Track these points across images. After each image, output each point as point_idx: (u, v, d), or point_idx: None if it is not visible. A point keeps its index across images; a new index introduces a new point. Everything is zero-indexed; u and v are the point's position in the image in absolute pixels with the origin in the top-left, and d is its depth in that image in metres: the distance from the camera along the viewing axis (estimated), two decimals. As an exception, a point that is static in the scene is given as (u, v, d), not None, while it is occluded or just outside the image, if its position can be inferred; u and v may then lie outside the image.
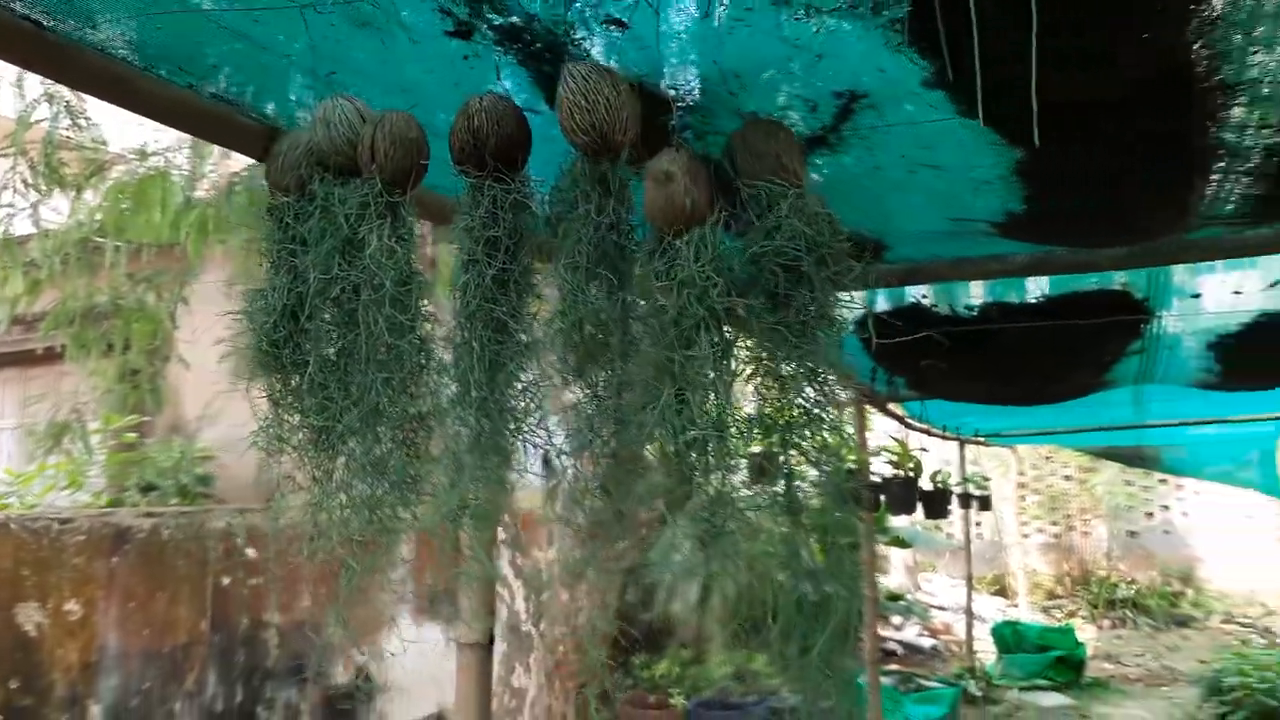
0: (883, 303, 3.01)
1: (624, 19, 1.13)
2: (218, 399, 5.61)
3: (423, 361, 0.84)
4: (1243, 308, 2.94)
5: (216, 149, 4.22)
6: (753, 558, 0.94)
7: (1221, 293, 2.84)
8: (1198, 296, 2.84)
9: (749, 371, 0.72)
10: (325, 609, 4.91)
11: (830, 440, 0.71)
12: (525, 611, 4.00)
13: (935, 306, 3.00)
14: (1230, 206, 1.62)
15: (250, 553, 5.17)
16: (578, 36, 1.15)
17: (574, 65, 0.77)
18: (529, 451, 1.05)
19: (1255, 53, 1.07)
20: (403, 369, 0.82)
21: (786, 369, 0.68)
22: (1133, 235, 1.86)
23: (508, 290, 0.80)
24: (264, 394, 0.98)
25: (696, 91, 1.30)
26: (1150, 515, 13.45)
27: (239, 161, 4.37)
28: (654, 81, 1.23)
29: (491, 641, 1.70)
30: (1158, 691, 8.81)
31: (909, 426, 6.51)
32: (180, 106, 1.25)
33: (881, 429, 6.63)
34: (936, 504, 5.42)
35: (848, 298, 2.76)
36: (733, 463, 0.85)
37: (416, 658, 4.95)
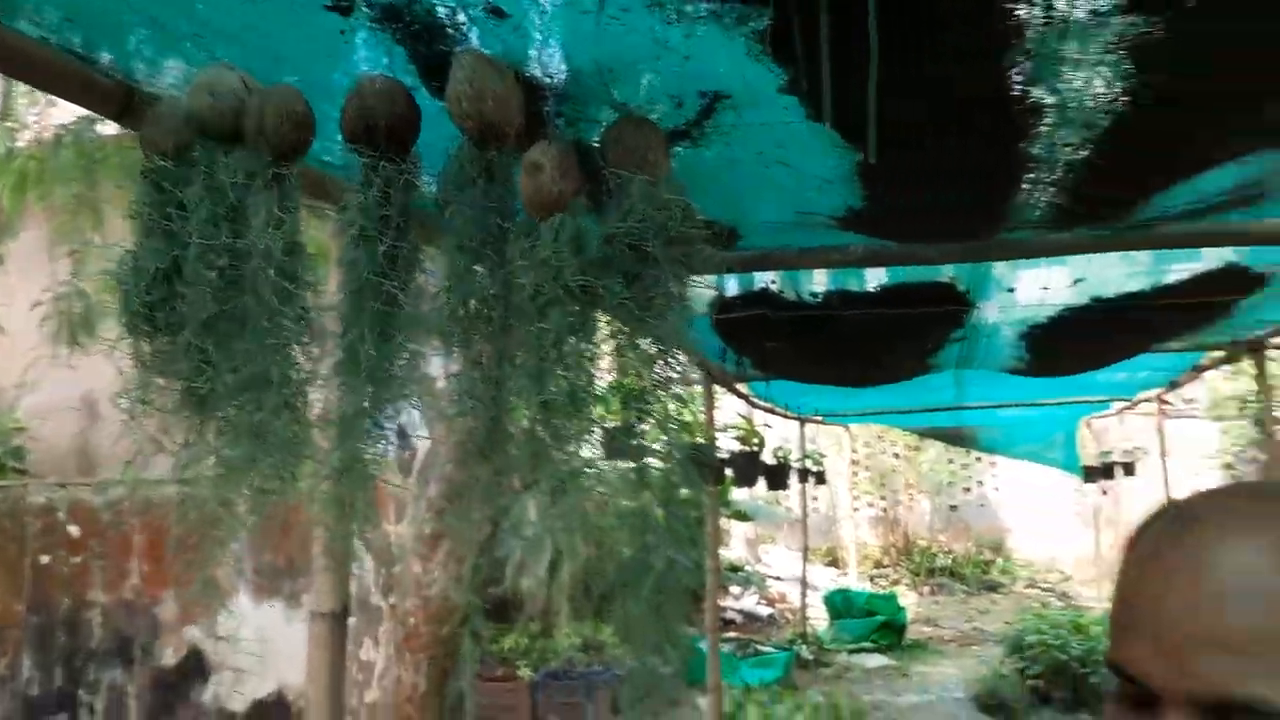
0: (734, 287, 3.16)
1: (504, 9, 1.18)
2: (36, 366, 5.22)
3: (306, 329, 0.87)
4: (1050, 302, 3.27)
5: (43, 98, 3.91)
6: (602, 529, 1.00)
7: (1034, 288, 3.14)
8: (1012, 290, 3.14)
9: (605, 346, 0.79)
10: (161, 584, 4.69)
11: (677, 414, 0.79)
12: (375, 585, 3.98)
13: (782, 292, 3.18)
14: (1038, 212, 1.83)
15: (73, 530, 4.87)
16: (458, 20, 1.19)
17: (464, 55, 0.82)
18: (386, 424, 1.09)
19: (1059, 80, 1.23)
20: (287, 336, 0.84)
21: (637, 344, 0.75)
22: (957, 234, 2.06)
23: (396, 266, 0.84)
24: (131, 357, 0.97)
25: (570, 81, 1.36)
26: (968, 490, 14.58)
27: (66, 111, 4.07)
28: (530, 70, 1.28)
29: (346, 611, 1.69)
30: (969, 651, 9.62)
31: (754, 405, 6.81)
32: (32, 61, 1.20)
33: (730, 407, 6.91)
34: (777, 477, 5.73)
35: (699, 281, 2.89)
36: (586, 434, 0.91)
37: (257, 636, 4.81)
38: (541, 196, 0.77)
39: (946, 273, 3.00)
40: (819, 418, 8.38)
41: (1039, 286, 3.05)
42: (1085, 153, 1.45)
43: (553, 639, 7.62)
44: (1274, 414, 5.13)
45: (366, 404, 0.84)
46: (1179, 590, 0.59)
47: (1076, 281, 2.99)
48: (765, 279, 3.14)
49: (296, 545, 4.39)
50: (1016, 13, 1.03)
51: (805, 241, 2.39)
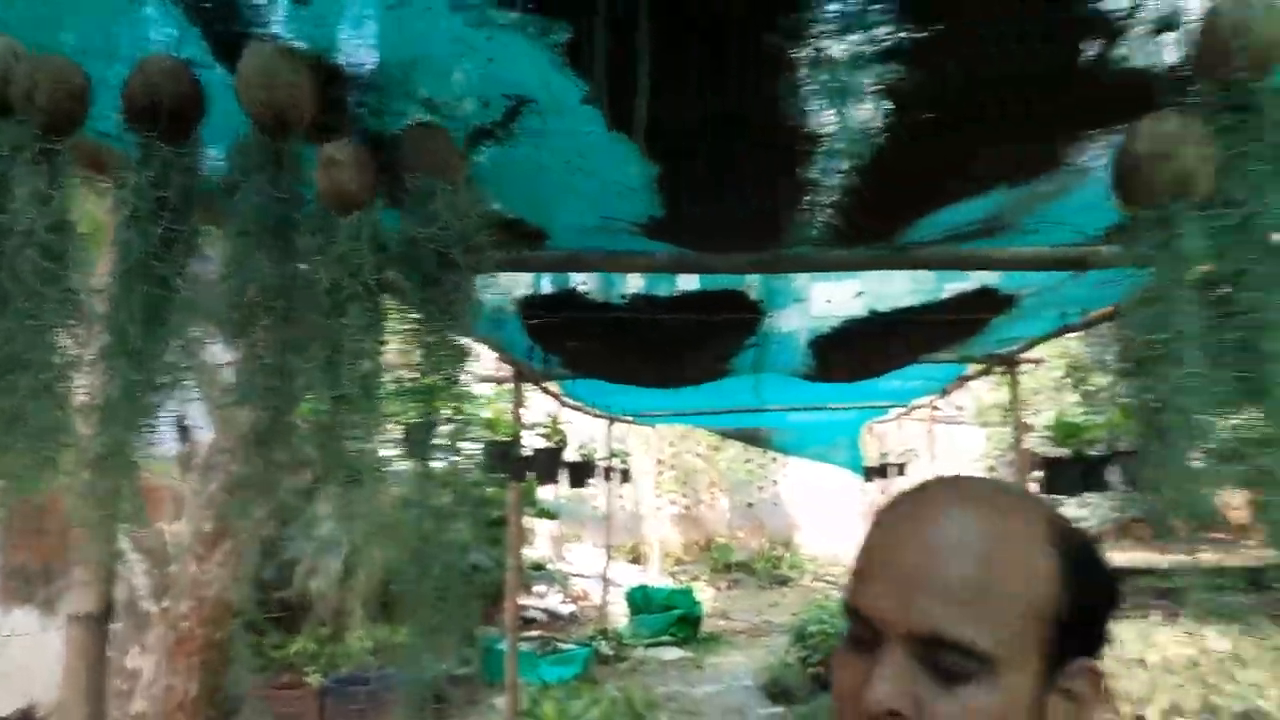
0: (546, 286, 3.21)
1: (306, -6, 1.17)
2: None
3: (73, 311, 0.83)
4: (834, 313, 3.53)
5: None
6: (397, 527, 1.01)
7: (820, 299, 3.39)
8: (802, 301, 3.37)
9: (403, 342, 0.81)
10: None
11: (473, 412, 0.82)
12: (145, 587, 3.71)
13: (591, 294, 3.26)
14: (816, 231, 2.00)
15: None
16: (255, 2, 1.17)
17: (257, 45, 0.81)
18: (163, 418, 1.05)
19: (828, 113, 1.36)
20: (49, 317, 0.80)
21: (434, 341, 0.78)
22: (748, 246, 2.20)
23: (173, 249, 0.82)
24: None
25: (376, 73, 1.36)
26: (763, 489, 15.35)
27: None
28: (333, 58, 1.27)
29: (108, 613, 1.60)
30: (759, 642, 10.13)
31: (564, 404, 6.89)
32: None
33: (540, 405, 6.94)
34: (579, 473, 5.82)
35: (508, 280, 2.90)
36: (380, 429, 0.92)
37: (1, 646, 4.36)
38: (339, 192, 0.78)
39: (743, 282, 3.18)
40: (628, 418, 8.57)
41: (825, 298, 3.29)
42: (853, 180, 1.61)
43: (344, 643, 7.36)
44: (1025, 422, 5.77)
45: (134, 391, 0.81)
46: (910, 545, 0.72)
47: (858, 294, 3.25)
48: (577, 279, 3.21)
49: (54, 546, 4.02)
50: (789, 52, 1.14)
51: (612, 245, 2.47)
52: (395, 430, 0.90)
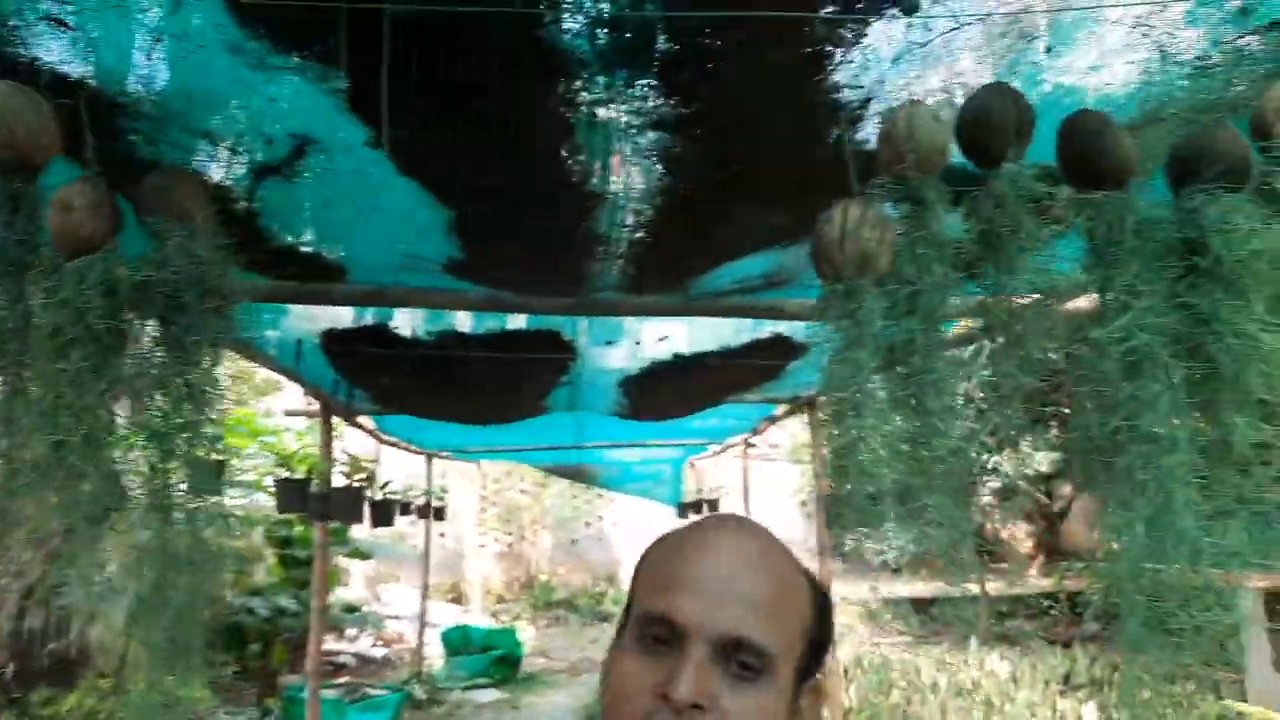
0: (348, 319, 3.15)
1: (67, 20, 1.14)
2: None
3: None
4: (641, 356, 3.65)
5: None
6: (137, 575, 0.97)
7: (630, 340, 3.50)
8: (610, 343, 3.47)
9: (144, 383, 0.80)
10: None
11: (206, 455, 0.82)
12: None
13: (398, 328, 3.23)
14: (613, 278, 2.08)
15: None
16: (11, 24, 1.13)
17: (-4, 81, 0.79)
18: None
19: (609, 173, 1.45)
20: None
21: (174, 382, 0.78)
22: (550, 290, 2.26)
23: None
24: None
25: (152, 103, 1.33)
26: (589, 524, 15.40)
27: None
28: (101, 85, 1.23)
29: None
30: (578, 679, 10.11)
31: (379, 439, 6.69)
32: None
33: (357, 441, 6.71)
34: (383, 513, 5.67)
35: (313, 313, 2.82)
36: (105, 472, 0.89)
37: None
38: (69, 236, 0.76)
39: (556, 322, 3.24)
40: (446, 454, 8.43)
41: (633, 340, 3.40)
42: (640, 234, 1.70)
43: (128, 694, 6.78)
44: (825, 460, 6.13)
45: None
46: (719, 564, 0.86)
47: (661, 339, 3.39)
48: (383, 313, 3.17)
49: None
50: (564, 115, 1.21)
51: (419, 282, 2.47)
52: (117, 470, 0.87)
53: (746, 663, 0.83)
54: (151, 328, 0.78)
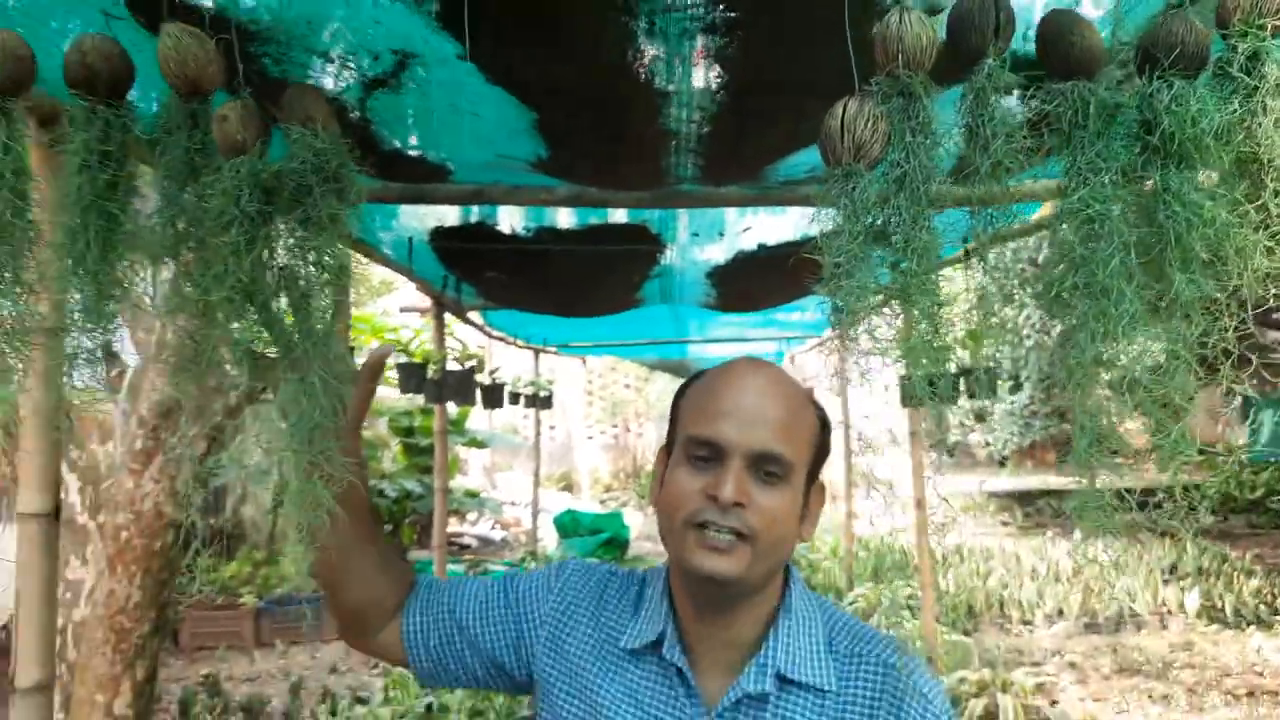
0: (454, 218, 3.40)
1: (209, -36, 1.36)
2: None
3: (33, 239, 1.04)
4: (728, 247, 3.80)
5: None
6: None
7: (714, 231, 3.64)
8: (696, 235, 3.62)
9: (280, 264, 1.03)
10: None
11: (322, 314, 1.03)
12: (80, 504, 3.88)
13: (498, 225, 3.46)
14: (688, 171, 2.24)
15: None
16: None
17: (169, 27, 1.01)
18: (101, 333, 1.23)
19: (672, 74, 1.60)
20: (16, 245, 1.02)
21: (311, 258, 1.01)
22: (631, 185, 2.44)
23: (116, 190, 1.04)
24: None
25: (274, 28, 1.56)
26: (691, 419, 15.79)
27: None
28: (235, 17, 1.46)
29: (58, 511, 1.73)
30: (681, 561, 10.64)
31: (487, 334, 7.09)
32: None
33: (469, 338, 7.13)
34: (493, 396, 6.07)
35: (421, 212, 3.09)
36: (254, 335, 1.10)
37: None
38: (227, 142, 1.00)
39: (642, 215, 3.41)
40: (550, 348, 8.79)
41: (715, 231, 3.55)
42: (706, 129, 1.85)
43: (278, 565, 7.58)
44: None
45: (92, 304, 1.03)
46: (747, 396, 1.12)
47: (746, 230, 3.52)
48: (483, 211, 3.40)
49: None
50: (624, 20, 1.37)
51: (513, 180, 2.69)
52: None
53: (772, 470, 1.09)
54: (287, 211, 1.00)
